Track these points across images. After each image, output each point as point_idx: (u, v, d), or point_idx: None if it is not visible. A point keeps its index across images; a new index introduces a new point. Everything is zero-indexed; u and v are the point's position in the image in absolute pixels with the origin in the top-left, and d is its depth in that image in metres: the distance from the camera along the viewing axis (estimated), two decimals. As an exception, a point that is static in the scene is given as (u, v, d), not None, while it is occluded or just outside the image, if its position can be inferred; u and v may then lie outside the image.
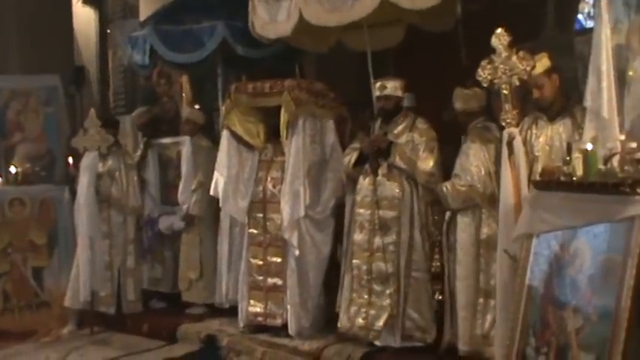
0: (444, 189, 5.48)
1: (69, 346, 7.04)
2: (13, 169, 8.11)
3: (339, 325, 6.02)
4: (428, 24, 6.59)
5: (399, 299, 5.73)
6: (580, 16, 8.06)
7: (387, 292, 5.75)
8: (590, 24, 7.57)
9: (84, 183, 7.26)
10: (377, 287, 5.82)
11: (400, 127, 5.93)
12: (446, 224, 5.58)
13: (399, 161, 5.80)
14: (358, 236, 5.96)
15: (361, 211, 5.96)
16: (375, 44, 6.43)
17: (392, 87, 5.90)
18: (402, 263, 5.76)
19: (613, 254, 3.75)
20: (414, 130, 5.88)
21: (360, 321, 5.87)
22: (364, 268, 5.88)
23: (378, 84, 5.96)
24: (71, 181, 8.01)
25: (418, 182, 5.78)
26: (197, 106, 8.15)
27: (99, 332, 7.36)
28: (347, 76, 7.71)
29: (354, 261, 5.97)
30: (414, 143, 5.82)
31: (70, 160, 8.18)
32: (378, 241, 5.82)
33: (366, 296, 5.86)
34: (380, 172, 5.88)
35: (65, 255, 7.72)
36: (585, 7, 8.26)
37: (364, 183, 5.97)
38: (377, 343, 5.82)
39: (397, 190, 5.81)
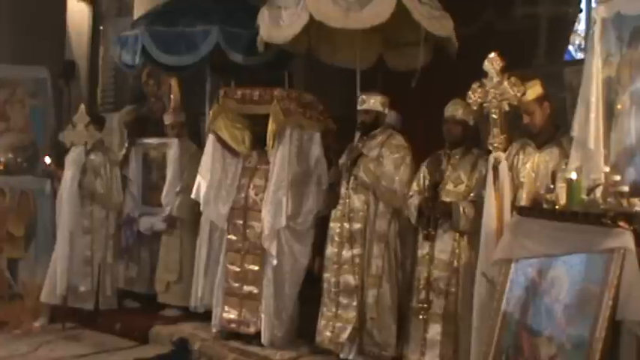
0: (461, 210, 5.25)
1: (40, 339, 6.99)
2: (-5, 159, 8.03)
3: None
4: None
5: (361, 313, 5.74)
6: (570, 47, 8.17)
7: (353, 304, 5.77)
8: (579, 55, 7.69)
9: (68, 177, 7.22)
10: (343, 300, 5.84)
11: (375, 142, 5.95)
12: (454, 244, 5.34)
13: (362, 174, 5.81)
14: (329, 249, 5.99)
15: (332, 224, 5.99)
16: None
17: (372, 101, 5.94)
18: (365, 277, 5.77)
19: (590, 284, 3.75)
20: (386, 146, 5.89)
21: (327, 334, 5.90)
22: (333, 280, 5.91)
23: (360, 97, 6.02)
24: (51, 176, 7.95)
25: (378, 197, 5.77)
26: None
27: (71, 328, 7.30)
28: (335, 88, 7.75)
29: (324, 274, 6.00)
30: (382, 158, 5.83)
31: (48, 160, 7.98)
32: (345, 253, 5.85)
33: (333, 309, 5.89)
34: (350, 184, 5.89)
35: (42, 248, 7.65)
36: (576, 39, 8.38)
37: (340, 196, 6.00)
38: (341, 356, 5.82)
39: (362, 203, 5.83)
